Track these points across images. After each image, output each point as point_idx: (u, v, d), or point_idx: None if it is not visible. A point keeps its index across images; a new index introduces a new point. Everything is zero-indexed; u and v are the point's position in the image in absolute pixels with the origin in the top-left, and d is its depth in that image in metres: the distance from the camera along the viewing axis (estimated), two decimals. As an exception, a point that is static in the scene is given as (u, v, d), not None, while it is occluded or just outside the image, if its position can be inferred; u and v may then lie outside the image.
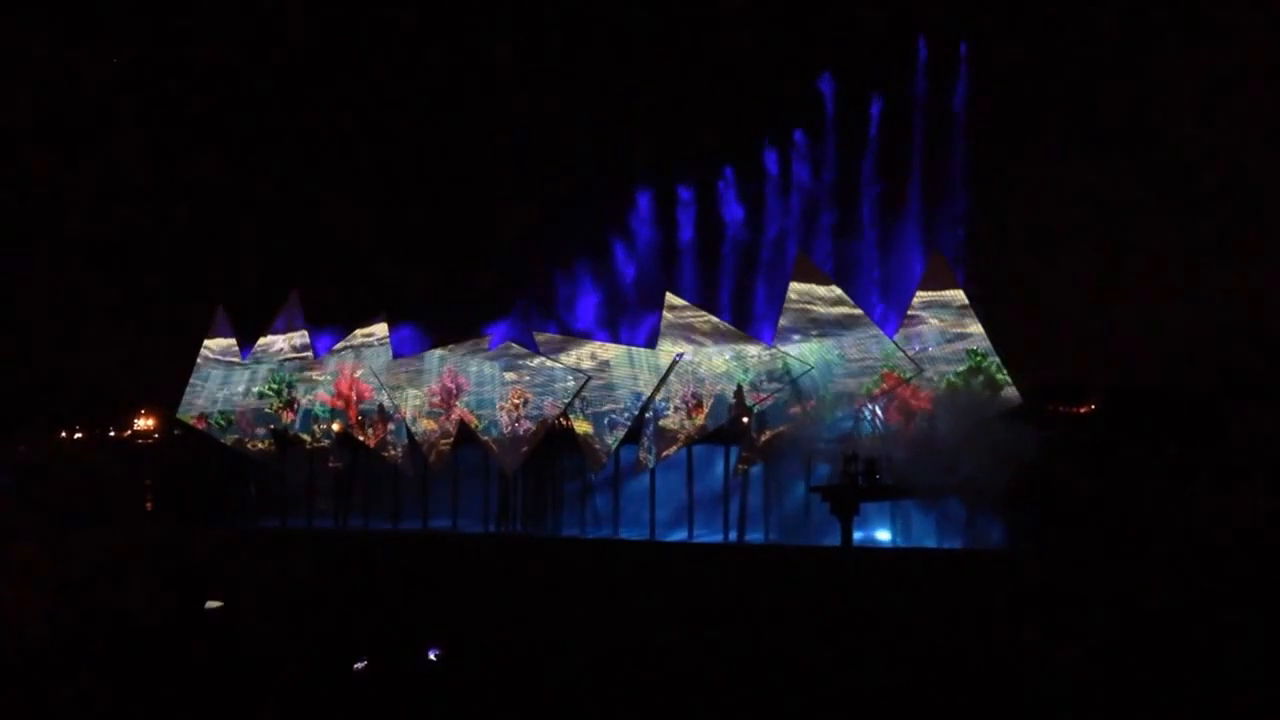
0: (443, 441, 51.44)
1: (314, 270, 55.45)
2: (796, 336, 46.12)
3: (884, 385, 44.76)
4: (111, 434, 65.99)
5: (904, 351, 44.58)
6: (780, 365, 45.91)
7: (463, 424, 51.07)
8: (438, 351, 52.72)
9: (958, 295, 45.15)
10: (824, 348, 45.58)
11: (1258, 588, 31.13)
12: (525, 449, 49.91)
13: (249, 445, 54.57)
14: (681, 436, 47.50)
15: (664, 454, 47.67)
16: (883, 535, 45.81)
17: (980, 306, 44.91)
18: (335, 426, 53.48)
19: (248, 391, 54.78)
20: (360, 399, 53.05)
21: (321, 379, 53.87)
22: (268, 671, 23.08)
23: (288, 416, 54.01)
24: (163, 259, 61.79)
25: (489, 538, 50.10)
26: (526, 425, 49.92)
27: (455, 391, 51.42)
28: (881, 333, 45.35)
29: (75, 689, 20.57)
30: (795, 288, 46.43)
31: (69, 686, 20.70)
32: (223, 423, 54.80)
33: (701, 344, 47.69)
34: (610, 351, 49.69)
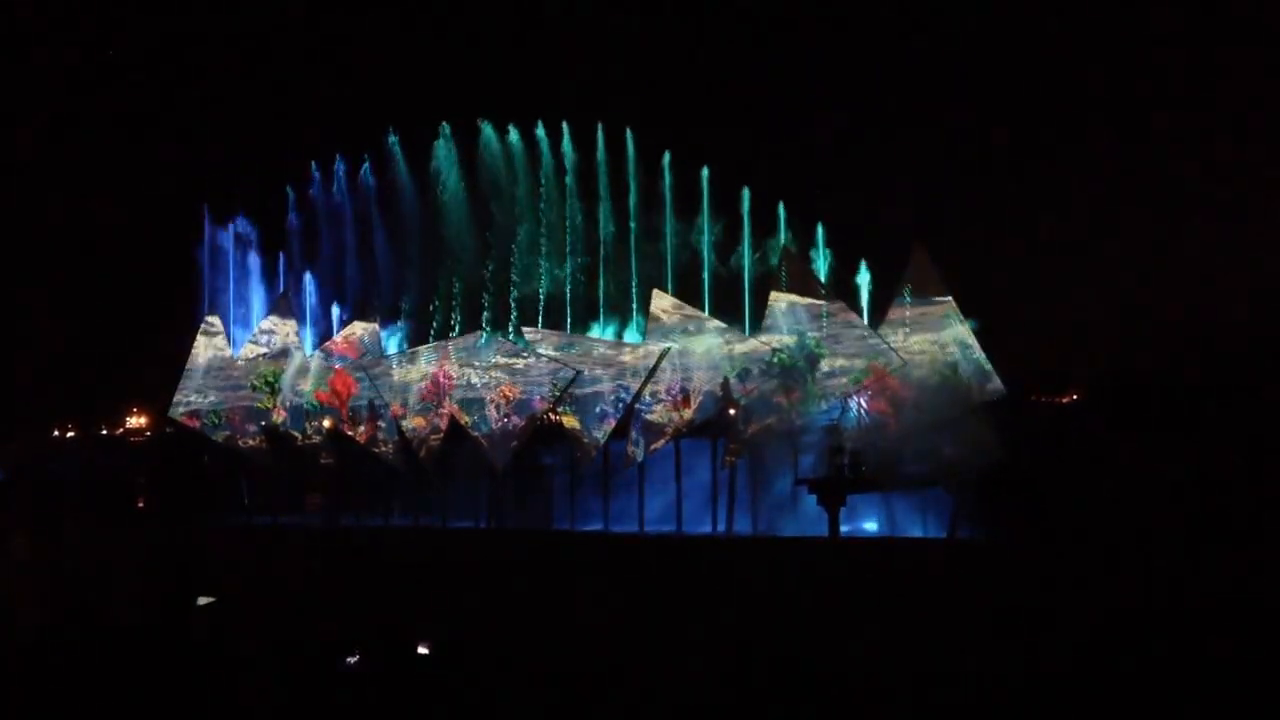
0: (433, 437, 51.72)
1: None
2: (784, 331, 46.50)
3: (870, 378, 45.17)
4: (104, 432, 66.01)
5: (888, 344, 45.01)
6: (771, 358, 46.29)
7: (453, 420, 51.31)
8: (430, 347, 53.07)
9: (941, 288, 45.56)
10: (809, 339, 45.97)
11: (1240, 577, 31.56)
12: (514, 444, 50.21)
13: (241, 443, 54.79)
14: (669, 430, 47.88)
15: (652, 447, 48.01)
16: (869, 526, 46.29)
17: (964, 298, 45.42)
18: (326, 423, 53.73)
19: (239, 389, 55.01)
20: (349, 393, 53.35)
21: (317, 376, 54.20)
22: (260, 666, 23.37)
23: (279, 414, 54.24)
24: (155, 255, 61.92)
25: (480, 532, 50.41)
26: (515, 421, 50.22)
27: (446, 387, 51.70)
28: (867, 326, 45.77)
29: (68, 683, 20.90)
30: (779, 285, 46.89)
31: (62, 680, 21.03)
32: (215, 420, 55.01)
33: (689, 339, 48.05)
34: (599, 346, 50.00)
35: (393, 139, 54.60)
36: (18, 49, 69.03)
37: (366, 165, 55.87)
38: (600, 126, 50.84)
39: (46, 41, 71.04)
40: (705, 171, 49.12)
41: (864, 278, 46.89)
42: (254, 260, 57.47)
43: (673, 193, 49.62)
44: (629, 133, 50.33)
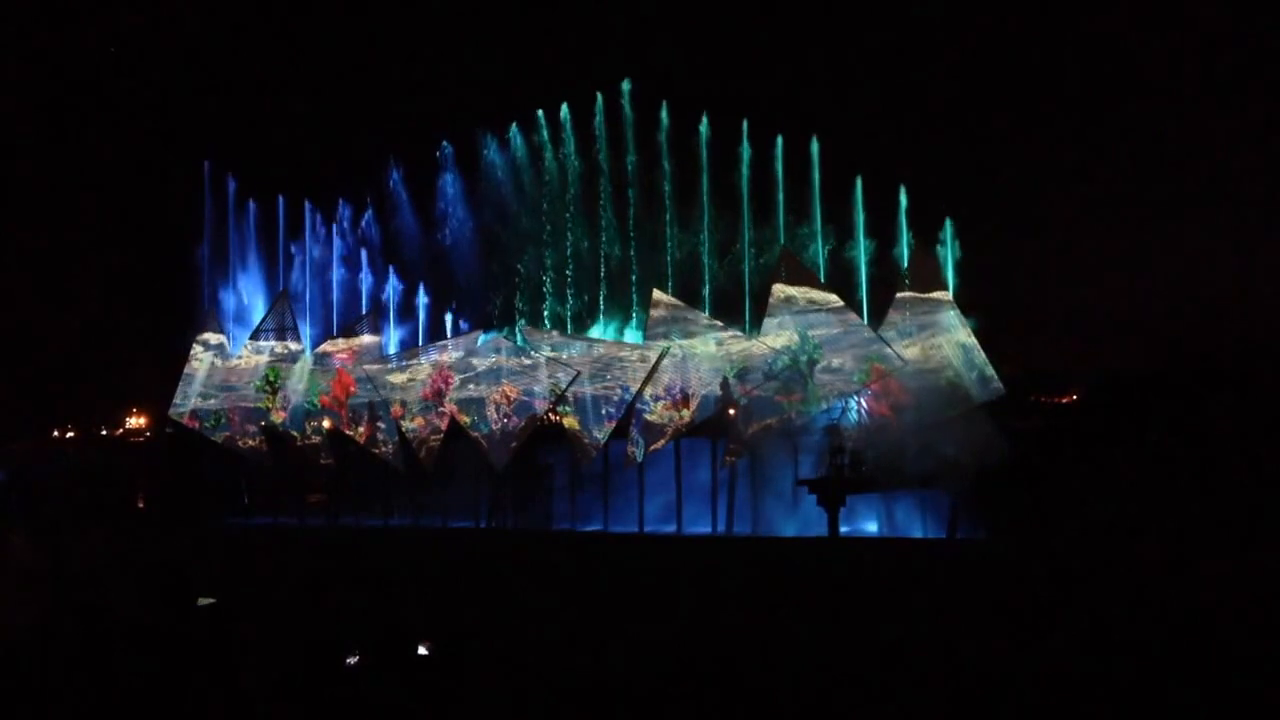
0: (433, 438, 51.74)
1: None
2: (782, 330, 46.51)
3: (871, 378, 45.19)
4: (103, 433, 66.09)
5: (888, 344, 45.03)
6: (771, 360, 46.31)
7: (452, 420, 51.33)
8: (430, 347, 53.13)
9: (942, 288, 45.61)
10: (809, 340, 45.97)
11: (1238, 575, 31.61)
12: (514, 445, 50.22)
13: (240, 443, 54.78)
14: (669, 430, 47.90)
15: (652, 447, 48.04)
16: (869, 526, 46.33)
17: (964, 297, 45.46)
18: (326, 424, 53.75)
19: (239, 389, 55.01)
20: (348, 393, 53.40)
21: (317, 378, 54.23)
22: (260, 669, 23.33)
23: (279, 415, 54.24)
24: (154, 254, 62.00)
25: (480, 533, 50.41)
26: (515, 421, 50.23)
27: (446, 388, 51.72)
28: (867, 326, 45.79)
29: (66, 687, 20.82)
30: (780, 284, 46.86)
31: (60, 684, 20.95)
32: (214, 421, 55.02)
33: (689, 338, 48.06)
34: (598, 346, 50.01)
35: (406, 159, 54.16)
36: (15, 46, 69.11)
37: (369, 213, 55.75)
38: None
39: (42, 40, 71.08)
40: (703, 122, 48.68)
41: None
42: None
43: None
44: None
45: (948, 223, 46.23)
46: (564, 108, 51.68)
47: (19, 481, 58.68)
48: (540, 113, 51.88)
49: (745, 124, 48.55)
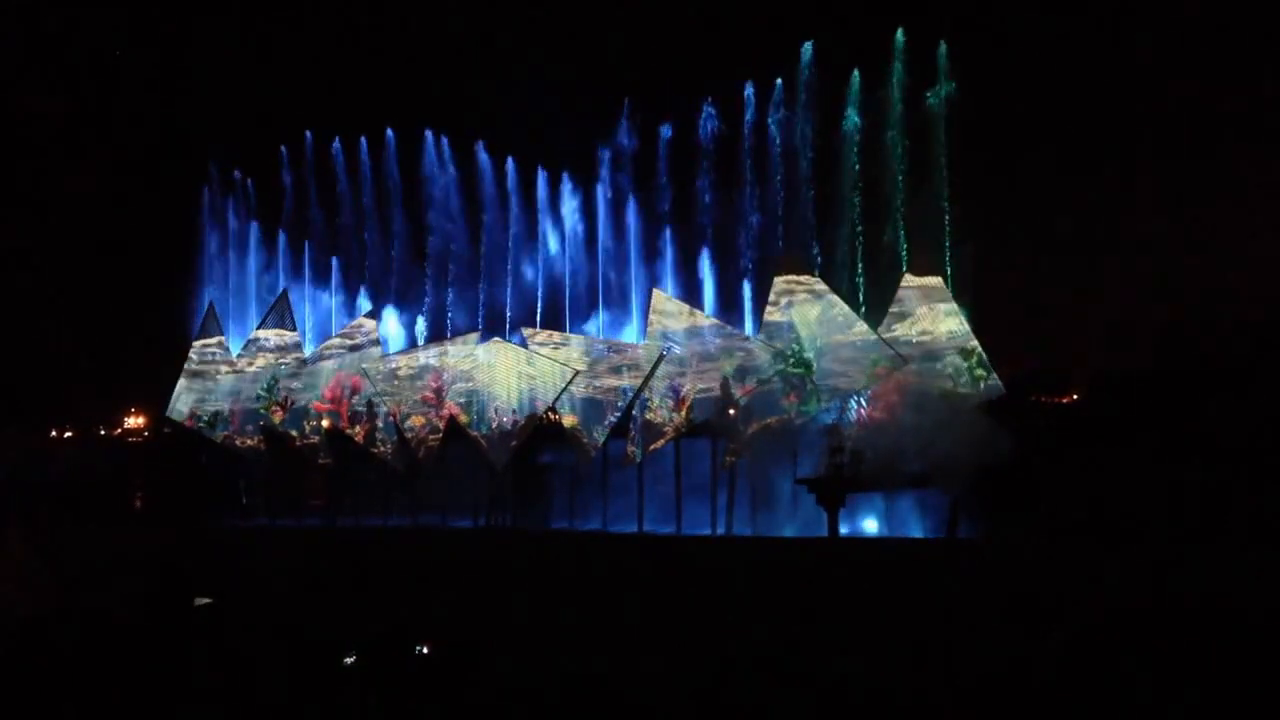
0: (432, 437, 51.69)
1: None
2: (782, 329, 46.42)
3: (873, 380, 45.12)
4: (101, 432, 66.15)
5: (888, 343, 44.96)
6: (767, 359, 46.22)
7: (452, 420, 51.28)
8: (430, 347, 53.08)
9: (940, 286, 45.53)
10: (810, 341, 45.88)
11: (1238, 576, 31.60)
12: (514, 444, 50.19)
13: (239, 443, 54.72)
14: (669, 430, 47.82)
15: (651, 447, 47.97)
16: (870, 526, 46.26)
17: (962, 296, 45.39)
18: (324, 423, 53.69)
19: (239, 390, 54.92)
20: (354, 392, 53.30)
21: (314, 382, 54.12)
22: (257, 669, 23.28)
23: (279, 415, 54.17)
24: (153, 252, 61.91)
25: (479, 532, 50.37)
26: (515, 420, 50.17)
27: (446, 387, 51.65)
28: (866, 325, 45.70)
29: (64, 687, 20.76)
30: (779, 281, 46.72)
31: (58, 684, 20.88)
32: (212, 421, 54.96)
33: (687, 338, 47.99)
34: (598, 345, 49.96)
35: None
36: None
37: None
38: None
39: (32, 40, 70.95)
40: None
41: None
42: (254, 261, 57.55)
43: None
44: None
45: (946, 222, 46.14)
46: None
47: (17, 480, 58.63)
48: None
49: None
